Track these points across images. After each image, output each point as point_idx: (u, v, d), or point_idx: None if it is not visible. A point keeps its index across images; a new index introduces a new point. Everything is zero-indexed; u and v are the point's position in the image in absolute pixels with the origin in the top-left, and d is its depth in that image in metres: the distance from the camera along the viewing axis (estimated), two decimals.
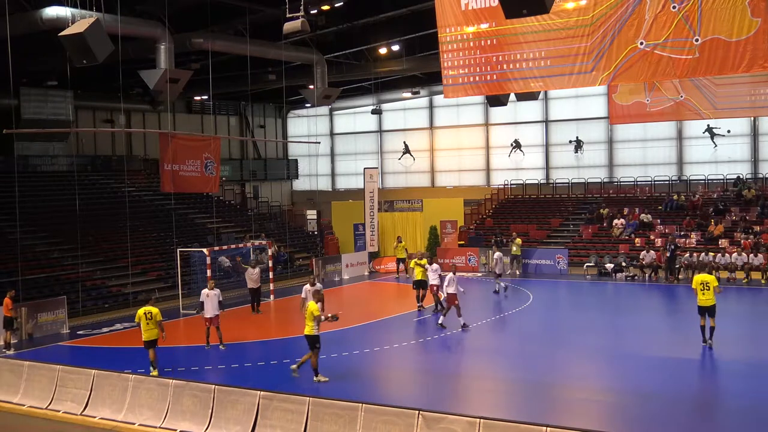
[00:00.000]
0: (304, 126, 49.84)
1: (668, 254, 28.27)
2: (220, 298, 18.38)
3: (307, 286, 18.84)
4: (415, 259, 23.54)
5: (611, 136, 40.15)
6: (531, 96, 25.47)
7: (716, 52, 13.28)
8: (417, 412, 10.54)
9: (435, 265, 23.11)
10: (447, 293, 20.10)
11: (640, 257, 29.56)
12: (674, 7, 13.51)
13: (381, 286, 29.45)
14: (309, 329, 14.89)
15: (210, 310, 18.12)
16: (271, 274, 27.02)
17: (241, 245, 28.41)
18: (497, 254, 26.74)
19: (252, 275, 23.61)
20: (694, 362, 16.19)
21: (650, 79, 19.61)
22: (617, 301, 25.66)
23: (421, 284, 23.04)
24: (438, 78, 19.11)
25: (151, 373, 15.03)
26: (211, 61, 25.41)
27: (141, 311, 15.75)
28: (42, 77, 32.10)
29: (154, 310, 15.77)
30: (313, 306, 14.99)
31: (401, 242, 32.04)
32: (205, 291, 18.42)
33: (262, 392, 11.89)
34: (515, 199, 40.50)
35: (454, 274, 20.21)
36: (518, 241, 31.47)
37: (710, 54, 13.35)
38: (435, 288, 22.55)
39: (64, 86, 31.92)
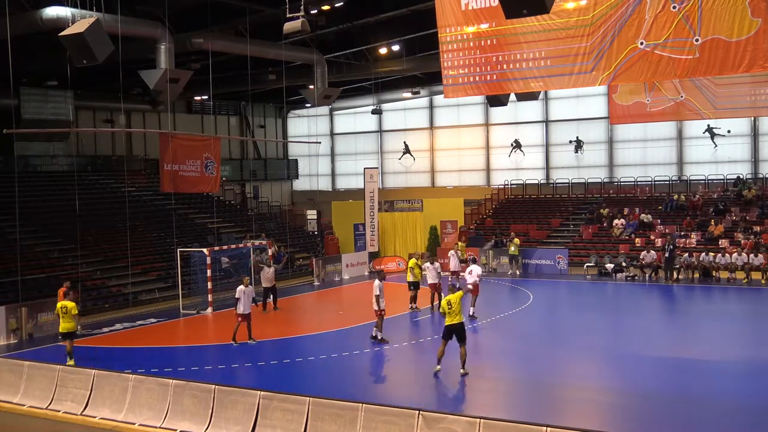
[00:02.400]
0: (304, 126, 49.83)
1: (667, 254, 28.30)
2: (254, 295, 19.38)
3: (377, 282, 18.71)
4: (414, 259, 23.35)
5: (611, 136, 40.15)
6: (531, 96, 25.48)
7: (716, 52, 13.27)
8: (417, 412, 10.53)
9: (436, 264, 23.09)
10: (469, 283, 21.26)
11: (641, 257, 29.57)
12: (674, 7, 13.51)
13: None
14: (460, 318, 14.95)
15: (247, 306, 18.71)
16: None
17: (241, 245, 28.43)
18: (451, 252, 26.66)
19: (267, 274, 24.09)
20: (694, 362, 16.19)
21: (650, 79, 19.62)
22: (617, 301, 25.66)
23: (417, 285, 22.94)
24: (438, 78, 19.11)
25: (67, 363, 15.91)
26: (211, 61, 25.40)
27: (58, 305, 17.33)
28: (42, 77, 32.08)
29: (70, 304, 17.18)
30: (458, 296, 15.03)
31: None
32: (241, 288, 18.83)
33: (262, 392, 11.89)
34: (515, 199, 40.50)
35: (474, 263, 21.93)
36: (516, 241, 31.53)
37: (710, 54, 13.34)
38: (439, 286, 22.64)
39: (64, 86, 31.90)
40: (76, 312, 17.48)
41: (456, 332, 14.88)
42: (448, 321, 14.90)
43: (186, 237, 31.61)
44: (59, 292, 20.22)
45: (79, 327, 20.38)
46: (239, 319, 18.71)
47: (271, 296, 24.17)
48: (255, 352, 18.17)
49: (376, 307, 18.46)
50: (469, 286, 20.92)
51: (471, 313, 21.18)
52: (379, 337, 18.62)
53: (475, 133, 44.36)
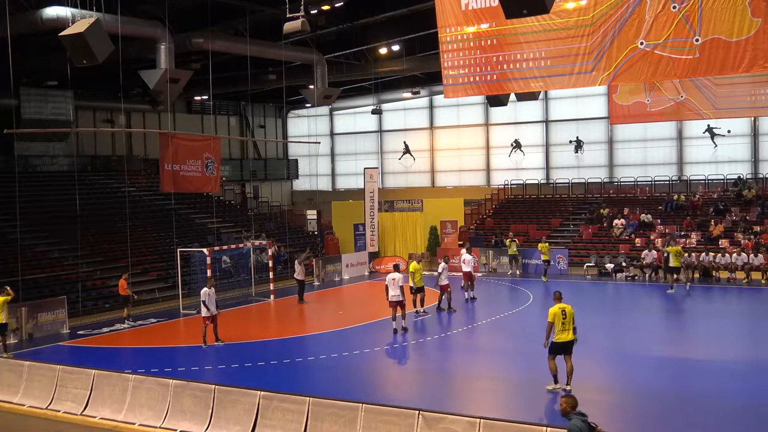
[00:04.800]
0: (304, 126, 49.85)
1: (665, 254, 28.27)
2: (216, 297, 18.99)
3: (399, 274, 19.59)
4: (415, 263, 22.53)
5: (611, 136, 40.15)
6: (531, 96, 25.46)
7: (716, 52, 13.27)
8: (417, 412, 10.53)
9: (443, 264, 22.92)
10: (463, 272, 24.05)
11: (642, 257, 29.55)
12: (674, 7, 13.51)
13: (381, 286, 29.38)
14: (572, 334, 13.41)
15: (212, 308, 18.55)
16: (271, 274, 27.07)
17: (241, 245, 28.47)
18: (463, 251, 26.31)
19: (300, 268, 25.76)
20: (694, 362, 16.20)
21: (650, 79, 19.60)
22: (617, 302, 25.64)
23: (420, 290, 21.99)
24: (438, 78, 19.11)
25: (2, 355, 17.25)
26: (211, 61, 25.40)
27: None
28: (42, 77, 32.08)
29: (0, 299, 18.07)
30: (571, 309, 13.63)
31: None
32: (205, 290, 18.69)
33: (262, 392, 11.89)
34: (515, 199, 40.51)
35: (469, 253, 24.46)
36: (517, 242, 31.63)
37: (710, 54, 13.34)
38: (449, 287, 22.78)
39: (64, 86, 31.90)
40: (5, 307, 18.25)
41: (567, 348, 13.44)
42: (561, 337, 13.35)
43: (186, 237, 31.61)
44: (120, 283, 22.27)
45: (130, 313, 22.44)
46: (208, 322, 18.56)
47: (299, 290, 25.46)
48: (255, 352, 18.19)
49: (402, 298, 19.15)
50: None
51: (471, 296, 24.20)
52: (404, 326, 19.48)
53: (475, 133, 44.36)
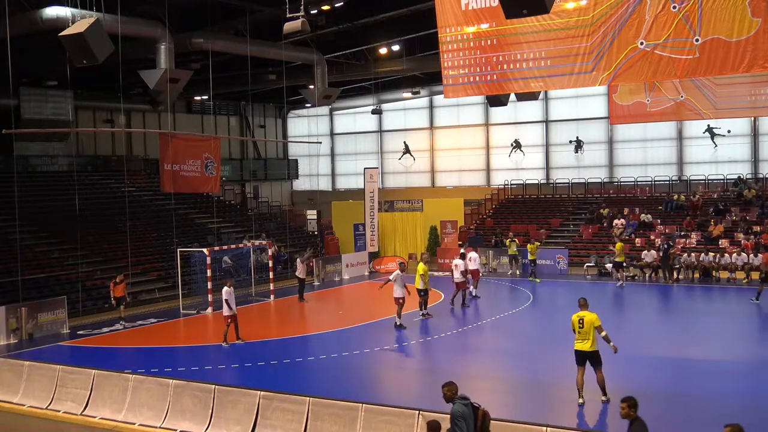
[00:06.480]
0: (304, 126, 49.84)
1: (661, 253, 28.32)
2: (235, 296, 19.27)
3: (398, 271, 20.39)
4: (423, 264, 21.51)
5: (611, 136, 40.15)
6: (531, 96, 25.49)
7: (716, 52, 13.27)
8: (417, 412, 10.54)
9: (458, 261, 23.14)
10: (470, 269, 24.05)
11: (642, 257, 29.55)
12: (674, 7, 13.51)
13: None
14: (592, 344, 13.04)
15: (233, 307, 18.71)
16: (271, 275, 27.08)
17: (241, 245, 28.48)
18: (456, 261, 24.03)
19: (300, 266, 26.10)
20: (694, 362, 16.20)
21: (650, 79, 19.60)
22: (617, 301, 25.64)
23: (427, 292, 21.59)
24: (438, 78, 19.12)
25: None
26: (211, 61, 25.40)
27: None
28: (42, 77, 32.08)
29: None
30: (593, 318, 13.17)
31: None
32: (225, 289, 18.85)
33: (262, 392, 11.90)
34: (515, 199, 40.51)
35: (476, 251, 25.22)
36: (516, 242, 31.63)
37: (710, 54, 13.34)
38: (464, 285, 23.17)
39: (64, 86, 31.89)
40: None
41: (588, 358, 13.10)
42: (578, 345, 13.11)
43: (186, 237, 31.60)
44: (112, 286, 22.33)
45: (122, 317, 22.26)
46: (228, 320, 18.73)
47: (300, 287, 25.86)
48: (255, 352, 18.18)
49: (397, 295, 19.77)
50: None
51: (474, 294, 24.56)
52: (398, 323, 19.87)
53: (475, 133, 44.36)
